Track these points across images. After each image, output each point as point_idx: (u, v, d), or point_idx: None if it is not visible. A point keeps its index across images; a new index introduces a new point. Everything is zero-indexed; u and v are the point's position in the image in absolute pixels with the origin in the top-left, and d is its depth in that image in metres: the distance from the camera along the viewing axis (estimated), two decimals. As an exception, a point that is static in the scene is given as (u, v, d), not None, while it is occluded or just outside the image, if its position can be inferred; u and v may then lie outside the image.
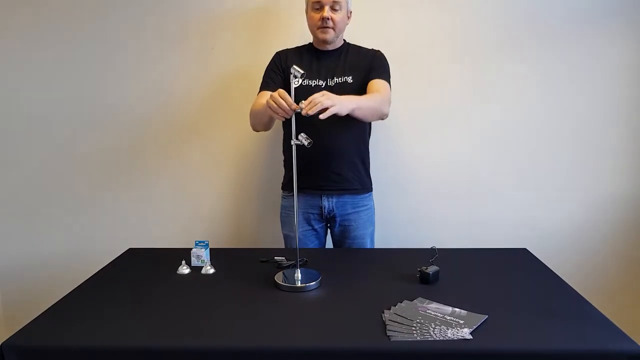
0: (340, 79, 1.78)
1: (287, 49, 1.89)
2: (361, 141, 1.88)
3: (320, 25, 1.74)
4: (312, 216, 1.88)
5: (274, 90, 1.50)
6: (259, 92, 1.83)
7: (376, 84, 1.74)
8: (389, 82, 1.79)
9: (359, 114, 1.59)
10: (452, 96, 2.17)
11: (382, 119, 1.77)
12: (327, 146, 1.76)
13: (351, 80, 1.77)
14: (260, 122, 1.76)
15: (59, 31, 2.17)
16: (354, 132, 1.82)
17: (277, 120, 1.64)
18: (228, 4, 2.14)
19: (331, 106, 1.41)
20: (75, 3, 2.15)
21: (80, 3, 2.15)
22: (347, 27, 1.85)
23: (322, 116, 1.40)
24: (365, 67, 1.78)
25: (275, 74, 1.83)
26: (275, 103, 1.43)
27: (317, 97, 1.41)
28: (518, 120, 2.18)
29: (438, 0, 2.10)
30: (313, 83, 1.78)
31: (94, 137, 2.26)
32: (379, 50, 1.85)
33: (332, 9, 1.73)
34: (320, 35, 1.77)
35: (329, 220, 1.90)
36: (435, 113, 2.19)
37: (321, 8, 1.73)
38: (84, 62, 2.20)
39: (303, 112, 1.39)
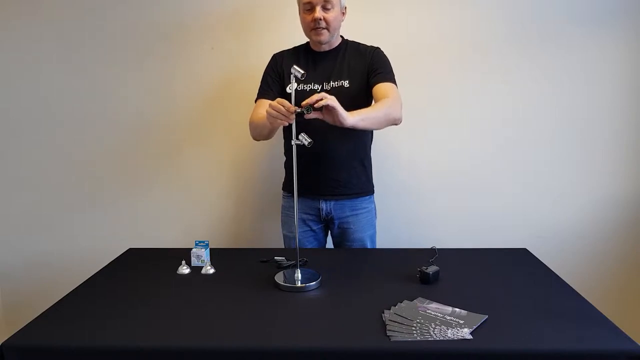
0: (336, 82, 1.75)
1: (284, 51, 1.86)
2: (361, 145, 1.85)
3: (313, 27, 1.69)
4: (308, 217, 1.88)
5: (270, 98, 1.48)
6: (257, 99, 1.81)
7: (383, 88, 1.67)
8: (395, 82, 1.74)
9: (364, 124, 1.54)
10: (453, 97, 2.17)
11: (396, 124, 1.66)
12: (325, 151, 1.75)
13: (348, 85, 1.74)
14: (260, 133, 1.74)
15: (58, 31, 2.17)
16: (353, 136, 1.79)
17: (277, 129, 1.64)
18: (228, 3, 2.14)
19: (330, 101, 1.38)
20: (73, 3, 2.15)
21: (79, 3, 2.15)
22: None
23: (307, 116, 1.39)
24: (363, 69, 1.75)
25: (272, 79, 1.81)
26: (275, 110, 1.42)
27: (321, 94, 1.39)
28: (519, 122, 2.18)
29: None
30: (308, 87, 1.76)
31: (94, 137, 2.26)
32: (377, 48, 1.80)
33: (324, 8, 1.67)
34: (314, 37, 1.73)
35: (327, 222, 1.90)
36: (436, 113, 2.19)
37: (312, 9, 1.67)
38: (83, 63, 2.20)
39: (303, 103, 1.38)
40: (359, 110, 1.52)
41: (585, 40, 2.10)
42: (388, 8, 2.11)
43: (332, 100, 1.39)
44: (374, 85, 1.71)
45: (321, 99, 1.38)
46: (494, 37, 2.12)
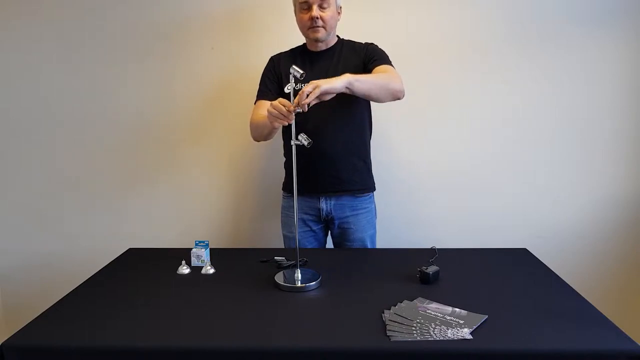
0: None
1: (281, 53, 1.87)
2: (361, 141, 1.85)
3: (310, 25, 1.71)
4: (308, 218, 1.88)
5: (269, 99, 1.48)
6: (256, 100, 1.82)
7: (381, 69, 1.69)
8: (393, 66, 1.74)
9: (361, 87, 1.53)
10: (453, 97, 2.17)
11: (399, 98, 1.65)
12: (325, 150, 1.75)
13: None
14: (261, 133, 1.75)
15: (58, 31, 2.17)
16: (352, 132, 1.81)
17: (277, 129, 1.64)
18: (228, 3, 2.14)
19: (314, 88, 1.40)
20: (73, 3, 2.15)
21: (79, 3, 2.15)
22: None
23: (305, 101, 1.39)
24: (358, 64, 1.75)
25: (270, 81, 1.82)
26: (276, 109, 1.44)
27: (303, 89, 1.41)
28: (519, 122, 2.17)
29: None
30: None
31: (94, 137, 2.26)
32: (372, 43, 1.81)
33: (321, 7, 1.69)
34: (312, 35, 1.74)
35: (327, 222, 1.90)
36: (436, 113, 2.19)
37: (309, 7, 1.69)
38: (83, 63, 2.20)
39: (301, 107, 1.40)
40: (353, 75, 1.54)
41: (584, 40, 2.10)
42: (387, 8, 2.11)
43: (314, 91, 1.41)
44: (372, 70, 1.71)
45: (307, 99, 1.39)
46: (494, 37, 2.12)
